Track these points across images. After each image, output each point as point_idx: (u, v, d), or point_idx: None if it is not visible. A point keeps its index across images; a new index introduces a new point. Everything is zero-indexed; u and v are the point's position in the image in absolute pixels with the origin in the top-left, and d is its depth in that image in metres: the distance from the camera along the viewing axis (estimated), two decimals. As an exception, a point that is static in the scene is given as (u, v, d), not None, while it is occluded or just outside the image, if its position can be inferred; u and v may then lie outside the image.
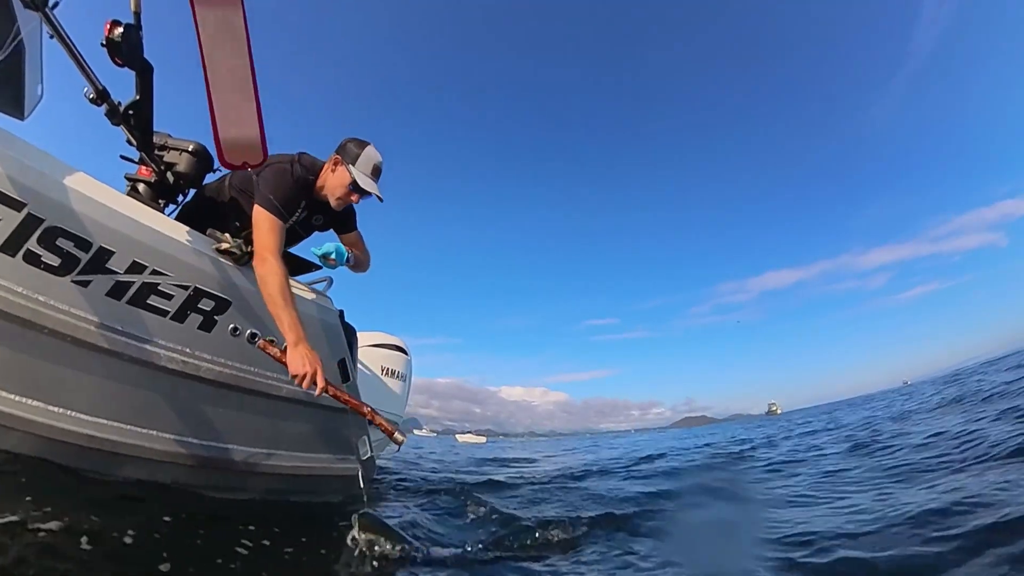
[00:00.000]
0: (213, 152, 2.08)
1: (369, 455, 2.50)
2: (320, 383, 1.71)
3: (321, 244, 2.24)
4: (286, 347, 1.72)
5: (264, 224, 1.88)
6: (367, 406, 1.80)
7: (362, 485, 2.06)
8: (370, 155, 2.09)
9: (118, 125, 1.70)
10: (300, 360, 1.69)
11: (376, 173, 2.13)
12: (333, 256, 2.22)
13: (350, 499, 2.50)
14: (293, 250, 2.33)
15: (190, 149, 1.97)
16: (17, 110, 2.36)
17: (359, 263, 2.45)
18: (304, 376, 1.69)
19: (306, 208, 2.16)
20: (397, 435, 1.81)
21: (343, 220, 2.44)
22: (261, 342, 1.73)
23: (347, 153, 2.09)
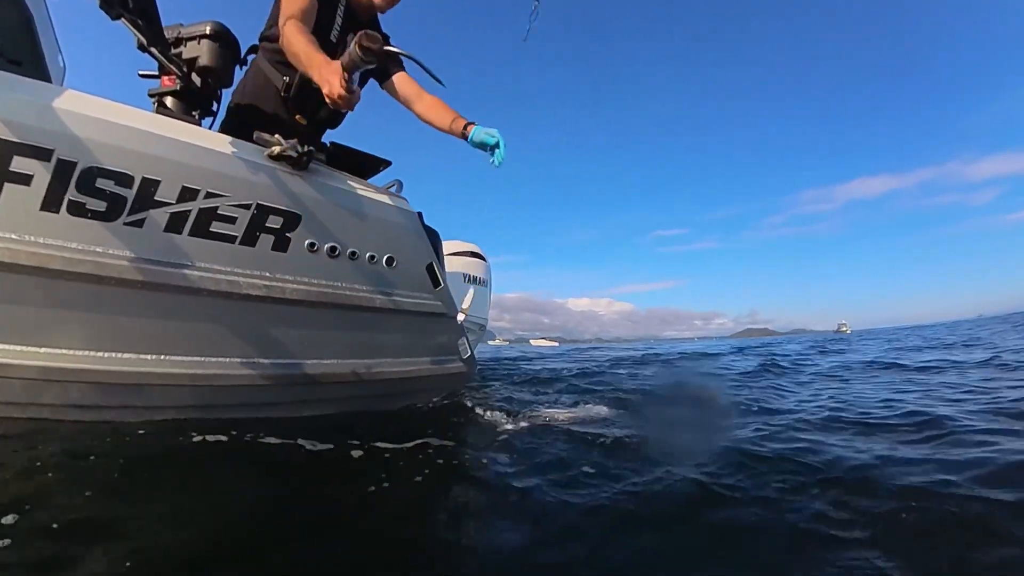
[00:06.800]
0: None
1: (469, 354, 2.48)
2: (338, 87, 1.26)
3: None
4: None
5: None
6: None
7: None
8: None
9: (118, 18, 1.39)
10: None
11: None
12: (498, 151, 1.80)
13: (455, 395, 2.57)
14: (358, 146, 2.03)
15: (207, 32, 1.64)
16: None
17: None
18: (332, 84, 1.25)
19: (344, 21, 1.84)
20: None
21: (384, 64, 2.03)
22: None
23: None
